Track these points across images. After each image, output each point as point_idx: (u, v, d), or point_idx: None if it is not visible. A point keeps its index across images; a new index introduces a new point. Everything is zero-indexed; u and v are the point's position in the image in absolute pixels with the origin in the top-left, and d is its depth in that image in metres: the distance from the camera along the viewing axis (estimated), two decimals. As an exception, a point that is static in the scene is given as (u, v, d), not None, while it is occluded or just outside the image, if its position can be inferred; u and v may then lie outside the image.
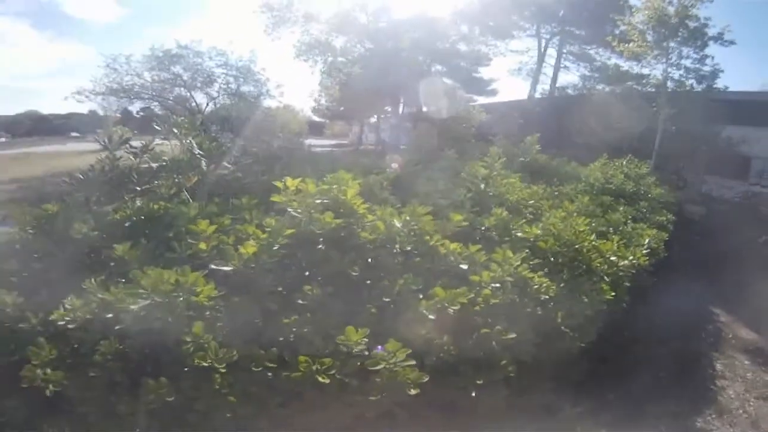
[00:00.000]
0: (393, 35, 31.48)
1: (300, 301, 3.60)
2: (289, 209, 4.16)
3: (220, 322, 3.32)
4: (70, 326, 3.43)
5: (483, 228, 5.68)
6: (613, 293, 5.03)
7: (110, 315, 3.27)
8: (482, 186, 7.13)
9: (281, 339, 3.38)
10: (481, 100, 36.94)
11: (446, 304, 3.66)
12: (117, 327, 3.25)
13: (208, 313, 3.33)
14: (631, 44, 23.49)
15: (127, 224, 4.87)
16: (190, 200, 5.75)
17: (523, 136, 13.88)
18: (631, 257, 5.80)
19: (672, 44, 22.92)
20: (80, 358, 3.38)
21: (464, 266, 4.27)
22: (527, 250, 5.02)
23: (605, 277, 5.36)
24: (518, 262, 4.33)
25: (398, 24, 32.09)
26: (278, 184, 4.29)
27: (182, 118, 10.63)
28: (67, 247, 4.58)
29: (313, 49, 34.10)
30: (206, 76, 31.00)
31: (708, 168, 23.87)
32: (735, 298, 10.65)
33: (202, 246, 3.95)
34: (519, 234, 5.53)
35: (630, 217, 8.85)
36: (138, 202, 5.26)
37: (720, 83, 23.34)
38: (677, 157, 22.30)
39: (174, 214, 4.91)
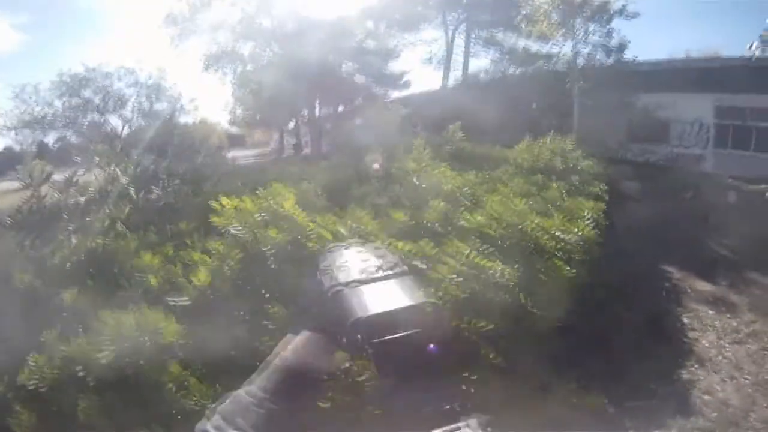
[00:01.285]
0: (300, 38, 31.16)
1: (266, 324, 3.48)
2: (231, 230, 3.97)
3: (193, 357, 3.20)
4: (41, 388, 3.24)
5: (426, 222, 5.62)
6: (568, 267, 5.08)
7: (79, 368, 3.08)
8: (414, 180, 7.11)
9: (258, 363, 3.28)
10: (396, 93, 37.01)
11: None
12: (89, 380, 3.07)
13: (180, 353, 3.19)
14: (537, 25, 24.22)
15: (68, 266, 4.62)
16: (127, 232, 5.51)
17: (442, 125, 13.88)
18: (576, 230, 5.90)
19: (578, 21, 23.79)
20: (64, 419, 3.20)
21: (422, 265, 4.18)
22: (477, 239, 5.07)
23: (556, 253, 5.46)
24: (468, 251, 4.25)
25: (304, 26, 31.72)
26: (215, 204, 4.10)
27: (100, 144, 10.23)
28: (12, 299, 4.31)
29: (221, 59, 33.30)
30: (117, 98, 29.70)
31: (630, 136, 24.88)
32: (682, 254, 11.15)
33: (153, 281, 3.80)
34: (462, 223, 5.54)
35: (564, 191, 9.02)
36: (73, 240, 4.99)
37: (629, 54, 24.43)
38: (598, 130, 23.15)
39: (114, 250, 4.71)
